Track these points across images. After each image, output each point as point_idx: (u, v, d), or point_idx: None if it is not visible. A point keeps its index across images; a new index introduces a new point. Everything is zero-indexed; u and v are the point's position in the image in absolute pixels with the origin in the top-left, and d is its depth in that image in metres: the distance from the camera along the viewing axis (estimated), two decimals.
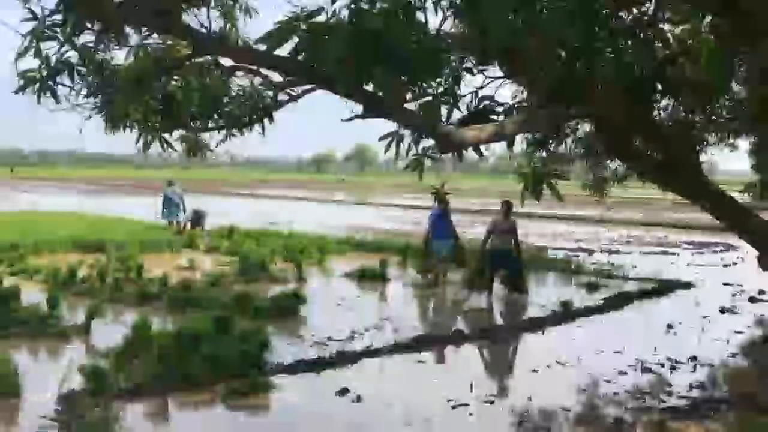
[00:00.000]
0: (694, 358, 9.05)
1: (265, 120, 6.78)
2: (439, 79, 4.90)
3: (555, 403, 7.23)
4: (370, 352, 8.89)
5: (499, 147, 5.47)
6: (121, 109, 6.06)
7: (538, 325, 10.99)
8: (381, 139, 4.70)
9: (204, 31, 5.50)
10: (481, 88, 5.47)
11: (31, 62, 5.52)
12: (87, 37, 5.70)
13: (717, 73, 7.16)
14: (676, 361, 8.92)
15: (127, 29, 5.98)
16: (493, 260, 13.11)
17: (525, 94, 6.65)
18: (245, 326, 8.88)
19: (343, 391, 7.37)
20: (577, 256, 18.87)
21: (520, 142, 11.07)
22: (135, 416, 6.66)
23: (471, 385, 7.68)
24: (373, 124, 4.80)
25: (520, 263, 13.41)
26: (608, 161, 11.55)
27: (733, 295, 13.99)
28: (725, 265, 18.57)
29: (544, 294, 13.48)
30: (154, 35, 6.34)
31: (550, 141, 11.19)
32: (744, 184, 11.29)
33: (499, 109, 5.43)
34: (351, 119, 4.35)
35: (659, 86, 4.92)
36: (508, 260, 13.20)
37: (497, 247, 13.15)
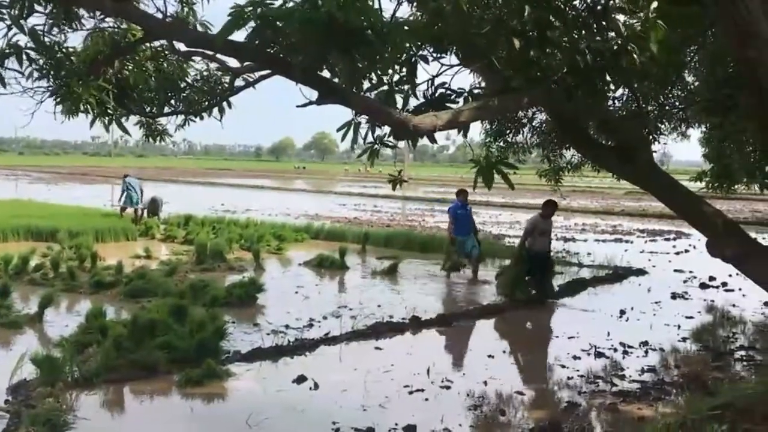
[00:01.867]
0: (645, 343, 9.25)
1: (223, 106, 6.72)
2: (395, 66, 4.90)
3: (510, 387, 7.33)
4: (328, 340, 8.91)
5: (461, 137, 5.48)
6: (74, 93, 5.94)
7: (494, 311, 11.13)
8: (339, 129, 4.69)
9: (159, 15, 5.43)
10: (437, 75, 5.49)
11: None
12: (37, 20, 5.59)
13: (668, 62, 7.32)
14: (629, 346, 9.11)
15: (82, 12, 5.88)
16: (533, 263, 12.09)
17: (481, 82, 6.72)
18: (201, 315, 8.81)
19: (300, 379, 7.37)
20: None
21: (479, 133, 11.31)
22: (89, 406, 6.58)
23: (428, 370, 7.75)
24: (333, 113, 4.83)
25: (553, 268, 12.79)
26: (564, 150, 11.73)
27: (684, 282, 14.34)
28: (677, 253, 18.98)
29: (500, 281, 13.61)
30: (109, 19, 6.23)
31: (508, 131, 11.36)
32: (696, 173, 11.54)
33: (455, 96, 5.45)
34: (306, 105, 4.33)
35: (611, 75, 4.97)
36: (546, 264, 12.39)
37: (536, 248, 12.17)
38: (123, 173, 23.05)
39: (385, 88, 5.04)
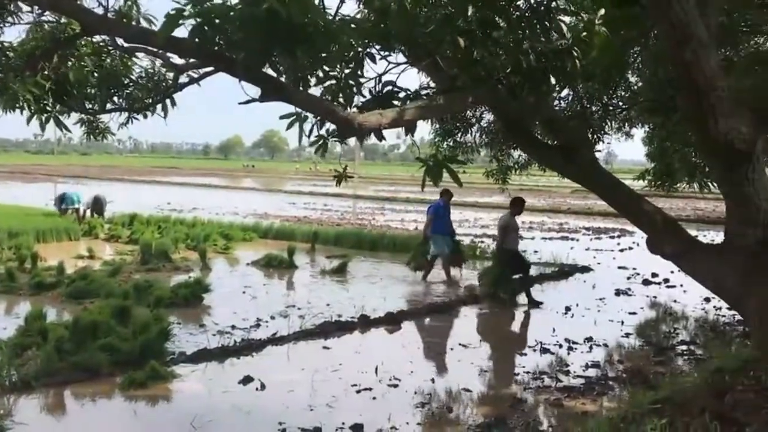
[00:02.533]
0: (590, 339, 9.41)
1: (168, 103, 6.59)
2: (340, 63, 4.88)
3: (457, 385, 7.38)
4: (275, 340, 8.84)
5: (416, 136, 5.49)
6: (10, 89, 5.77)
7: (443, 309, 11.19)
8: (282, 117, 4.64)
9: (100, 9, 5.30)
10: (384, 73, 5.48)
11: None
12: None
13: (611, 63, 7.45)
14: (573, 342, 9.25)
15: (20, 5, 5.71)
16: (513, 261, 12.07)
17: (428, 80, 6.73)
18: (145, 316, 8.66)
19: (247, 380, 7.30)
20: (483, 242, 19.24)
21: (428, 132, 11.36)
22: (28, 410, 6.41)
23: (376, 369, 7.75)
24: (282, 111, 4.75)
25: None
26: (511, 150, 11.86)
27: (628, 278, 14.64)
28: (621, 250, 19.36)
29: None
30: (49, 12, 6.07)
31: (457, 130, 11.43)
32: (639, 172, 11.78)
33: (402, 95, 5.45)
34: (249, 102, 4.28)
35: (554, 76, 5.04)
36: (524, 261, 12.46)
37: (511, 246, 12.12)
38: (59, 194, 22.16)
39: (333, 83, 5.01)
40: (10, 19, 6.03)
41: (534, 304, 11.70)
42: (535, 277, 13.80)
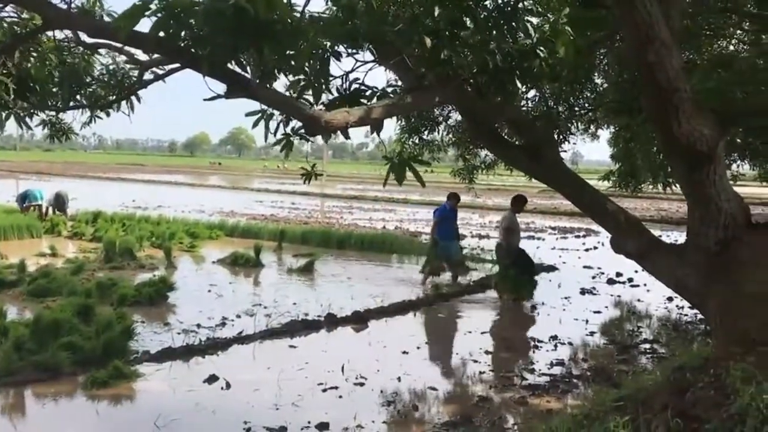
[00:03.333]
0: (555, 337, 9.49)
1: (132, 100, 6.50)
2: (307, 61, 4.85)
3: (423, 383, 7.39)
4: (241, 339, 8.78)
5: (383, 134, 5.48)
6: None
7: (409, 307, 11.20)
8: (248, 114, 4.61)
9: (62, 5, 5.21)
10: (351, 71, 5.46)
11: None
12: None
13: (577, 65, 7.52)
14: (539, 341, 9.33)
15: None
16: (519, 260, 11.97)
17: (396, 79, 6.74)
18: (109, 314, 8.54)
19: (212, 379, 7.24)
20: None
21: (394, 129, 11.35)
22: None
23: (342, 368, 7.73)
24: (250, 109, 4.70)
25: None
26: (478, 149, 11.92)
27: (593, 278, 14.80)
28: (586, 249, 19.57)
29: (417, 278, 13.74)
30: (10, 7, 5.95)
31: (423, 128, 11.45)
32: (604, 172, 11.93)
33: (369, 93, 5.44)
34: (213, 99, 4.23)
35: (520, 76, 5.07)
36: (529, 259, 12.35)
37: (515, 245, 12.05)
38: (22, 192, 21.62)
39: (300, 81, 4.98)
40: None
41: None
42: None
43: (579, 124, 11.35)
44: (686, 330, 10.23)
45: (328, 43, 5.15)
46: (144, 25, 3.90)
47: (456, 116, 11.22)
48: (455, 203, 13.83)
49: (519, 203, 12.32)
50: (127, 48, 5.93)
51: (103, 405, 6.62)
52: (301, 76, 4.96)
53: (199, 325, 9.32)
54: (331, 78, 5.27)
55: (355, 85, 5.45)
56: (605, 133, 12.51)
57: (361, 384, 7.36)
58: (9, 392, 6.78)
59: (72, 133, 7.18)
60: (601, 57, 9.59)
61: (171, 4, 3.49)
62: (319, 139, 5.44)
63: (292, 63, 4.46)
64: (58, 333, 7.77)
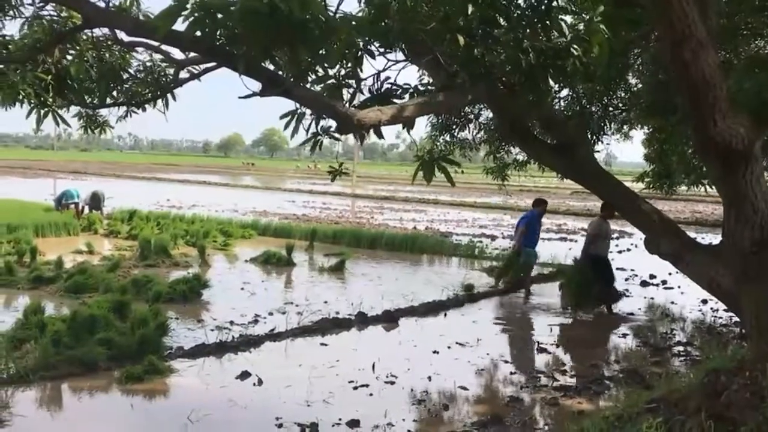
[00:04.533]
0: (587, 339, 9.42)
1: (168, 98, 6.59)
2: (341, 60, 4.89)
3: (454, 383, 7.39)
4: (273, 336, 8.85)
5: (411, 135, 5.50)
6: (11, 83, 5.78)
7: (440, 307, 11.20)
8: (282, 117, 4.66)
9: (101, 3, 5.31)
10: (383, 70, 5.49)
11: None
12: None
13: (611, 64, 7.47)
14: (570, 342, 9.27)
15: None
16: (596, 268, 11.36)
17: (427, 77, 6.74)
18: (144, 311, 8.67)
19: (244, 375, 7.32)
20: (481, 241, 19.26)
21: (425, 126, 11.34)
22: (25, 402, 6.42)
23: (373, 366, 7.76)
24: (282, 109, 4.76)
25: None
26: (510, 147, 11.85)
27: (626, 279, 14.65)
28: (620, 251, 19.36)
29: (447, 278, 13.73)
30: (50, 6, 6.08)
31: (454, 125, 11.43)
32: (638, 174, 11.80)
33: (401, 92, 5.46)
34: (249, 97, 4.29)
35: (553, 75, 5.05)
36: (608, 268, 11.69)
37: (600, 253, 11.52)
38: (59, 194, 21.90)
39: (332, 81, 5.03)
40: (11, 12, 6.04)
41: (610, 311, 11.35)
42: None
43: (612, 124, 11.25)
44: (721, 333, 10.09)
45: (361, 43, 5.19)
46: (180, 25, 3.97)
47: (487, 113, 11.16)
48: (542, 210, 13.40)
49: (607, 209, 11.35)
50: (163, 47, 6.02)
51: (137, 399, 6.72)
52: (332, 73, 5.01)
53: (232, 322, 9.42)
54: (363, 77, 5.31)
55: (387, 85, 5.49)
56: (639, 134, 12.31)
57: (392, 382, 7.38)
58: (47, 386, 6.91)
59: (107, 126, 7.29)
60: (636, 56, 9.50)
61: (207, 4, 3.55)
62: (350, 139, 5.48)
63: (326, 62, 4.50)
64: (95, 329, 7.91)
